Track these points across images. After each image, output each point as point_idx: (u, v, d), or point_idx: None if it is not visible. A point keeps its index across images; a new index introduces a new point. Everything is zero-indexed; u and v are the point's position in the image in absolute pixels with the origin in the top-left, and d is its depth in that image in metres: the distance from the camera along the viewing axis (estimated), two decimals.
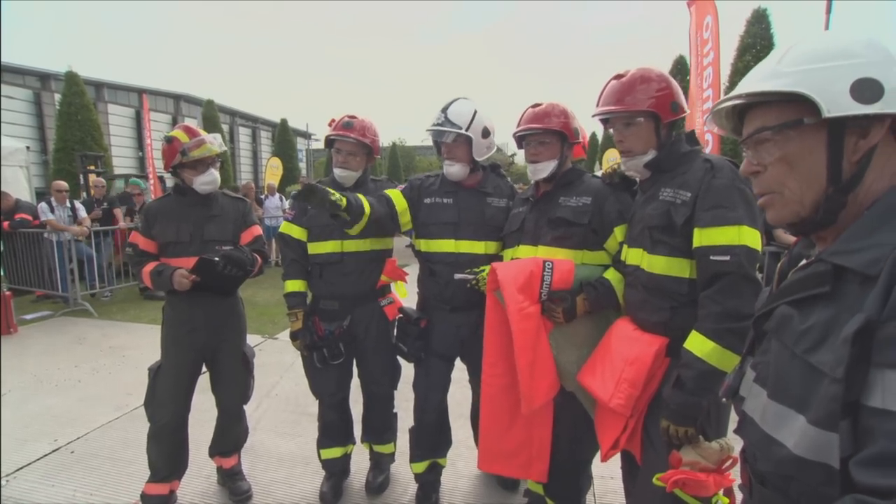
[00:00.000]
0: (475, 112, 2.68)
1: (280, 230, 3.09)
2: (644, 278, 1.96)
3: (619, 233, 2.24)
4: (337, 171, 2.97)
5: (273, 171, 18.42)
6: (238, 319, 3.10)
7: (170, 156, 2.90)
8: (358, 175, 2.97)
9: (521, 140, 2.46)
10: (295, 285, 2.99)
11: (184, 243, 2.89)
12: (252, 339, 6.25)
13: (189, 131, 2.90)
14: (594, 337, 2.21)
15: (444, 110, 2.66)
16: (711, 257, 1.73)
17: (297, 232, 3.02)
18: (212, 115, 28.56)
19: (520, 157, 2.68)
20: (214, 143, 2.90)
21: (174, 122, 38.83)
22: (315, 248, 2.96)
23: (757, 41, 11.97)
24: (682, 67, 16.11)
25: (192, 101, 39.73)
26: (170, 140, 2.89)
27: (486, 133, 2.70)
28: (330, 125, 2.98)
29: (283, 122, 37.50)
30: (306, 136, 43.15)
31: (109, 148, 21.40)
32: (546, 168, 2.41)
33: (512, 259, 2.49)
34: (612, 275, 2.25)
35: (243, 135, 49.40)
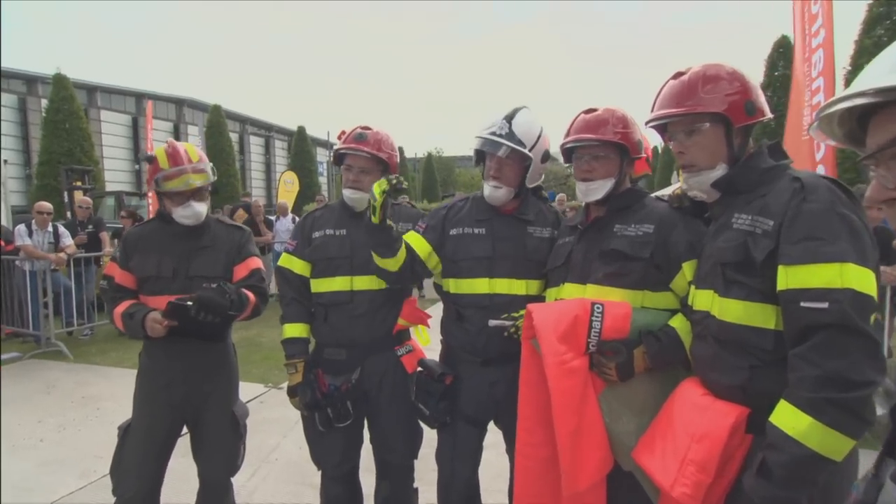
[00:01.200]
0: (541, 130, 2.72)
1: (279, 264, 3.13)
2: (715, 328, 1.90)
3: (688, 270, 2.19)
4: (347, 193, 3.01)
5: (287, 187, 18.84)
6: (227, 371, 3.12)
7: (149, 177, 2.99)
8: (367, 196, 2.96)
9: (569, 153, 2.48)
10: (295, 329, 3.01)
11: (165, 279, 2.93)
12: (252, 389, 6.32)
13: (172, 156, 2.95)
14: (657, 401, 2.14)
15: (509, 119, 2.68)
16: (803, 304, 1.64)
17: (298, 266, 3.06)
18: (218, 121, 29.57)
19: None
20: (201, 171, 2.97)
21: (176, 130, 40.39)
22: (320, 286, 2.99)
23: (893, 9, 10.83)
24: (784, 51, 15.50)
25: (197, 107, 41.28)
26: (150, 160, 2.99)
27: (545, 157, 2.77)
28: (339, 138, 3.05)
29: (301, 129, 38.53)
30: (327, 146, 44.05)
31: (101, 160, 22.32)
32: (601, 188, 2.41)
33: (555, 301, 2.47)
34: (679, 322, 2.20)
35: (254, 144, 50.95)
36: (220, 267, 3.02)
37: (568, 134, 2.46)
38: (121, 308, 2.93)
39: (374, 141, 2.96)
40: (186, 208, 2.96)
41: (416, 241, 2.83)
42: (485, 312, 2.68)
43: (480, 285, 2.72)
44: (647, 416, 2.14)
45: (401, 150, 52.67)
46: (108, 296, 3.03)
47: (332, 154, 3.04)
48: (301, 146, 37.13)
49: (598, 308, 2.21)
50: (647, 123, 2.09)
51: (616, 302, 2.25)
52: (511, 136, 2.64)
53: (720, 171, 1.96)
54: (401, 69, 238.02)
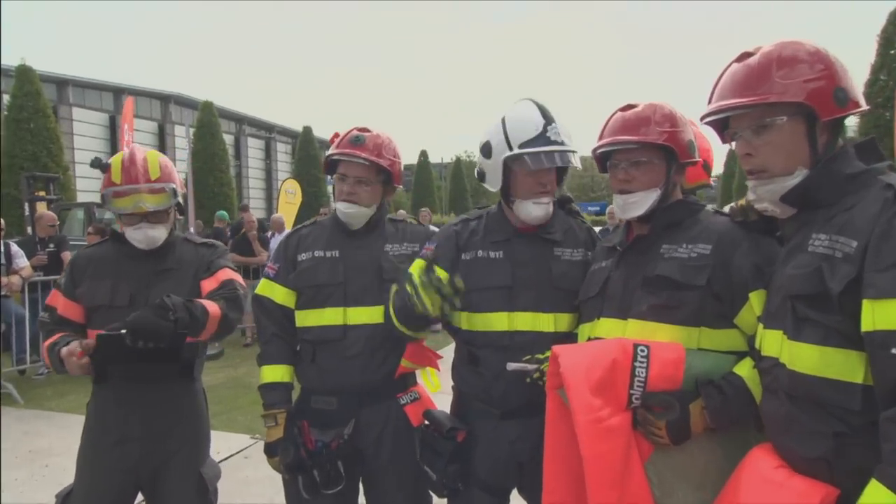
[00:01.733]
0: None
1: (256, 292, 3.11)
2: (786, 380, 1.82)
3: (757, 302, 2.11)
4: (341, 207, 3.01)
5: (288, 198, 18.97)
6: (195, 423, 3.07)
7: (101, 189, 2.98)
8: (371, 212, 3.04)
9: (604, 159, 2.47)
10: (275, 373, 2.99)
11: (120, 308, 2.85)
12: (236, 441, 6.34)
13: (127, 169, 2.92)
14: (721, 472, 2.07)
15: (549, 118, 2.69)
16: (894, 350, 1.56)
17: (280, 294, 3.04)
18: (210, 120, 30.12)
19: None
20: (159, 191, 2.94)
21: (161, 131, 41.19)
22: (306, 319, 2.98)
23: None
24: None
25: (185, 103, 42.12)
26: (104, 168, 2.98)
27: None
28: (332, 142, 3.05)
29: (307, 130, 39.08)
30: None
31: (72, 166, 22.74)
32: (643, 201, 2.37)
33: (588, 341, 2.44)
34: (748, 370, 2.11)
35: (252, 147, 51.76)
36: (186, 291, 2.95)
37: (602, 136, 2.43)
38: (49, 341, 2.87)
39: (373, 145, 2.95)
40: (137, 230, 2.94)
41: (419, 266, 2.79)
42: (503, 354, 2.63)
43: (498, 321, 2.70)
44: (709, 492, 2.08)
45: (424, 154, 53.34)
46: (46, 329, 2.99)
47: (324, 161, 3.06)
48: (307, 149, 37.62)
49: (642, 350, 2.15)
50: (703, 119, 2.03)
51: (665, 343, 2.19)
52: (562, 139, 2.67)
53: (798, 176, 1.88)
54: (425, 60, 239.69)
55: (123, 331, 2.52)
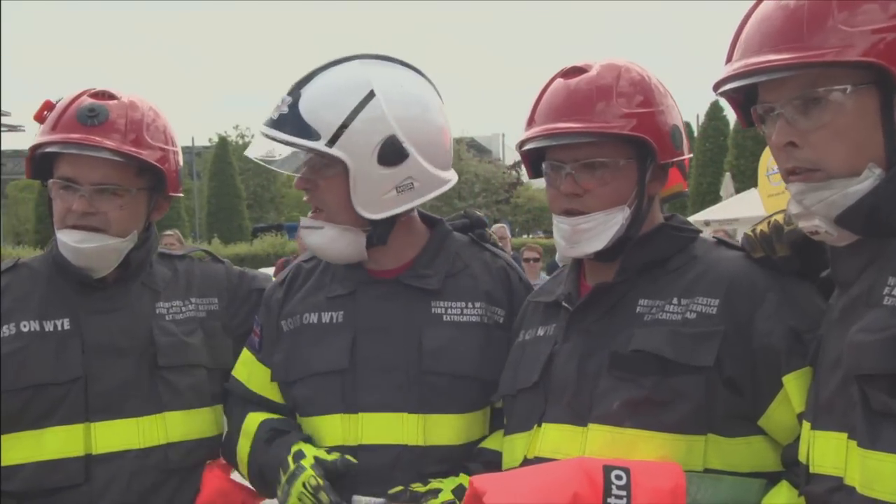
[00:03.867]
0: (368, 94, 2.00)
1: None
2: None
3: (795, 391, 1.68)
4: (67, 238, 2.11)
5: None
6: None
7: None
8: (126, 246, 2.14)
9: (533, 159, 1.94)
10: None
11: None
12: None
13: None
14: None
15: (294, 89, 2.04)
16: None
17: None
18: None
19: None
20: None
21: None
22: (10, 452, 2.10)
23: None
24: None
25: None
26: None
27: (390, 150, 2.01)
28: (40, 118, 2.15)
29: None
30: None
31: None
32: (602, 228, 1.81)
33: (523, 462, 1.87)
34: (783, 502, 1.66)
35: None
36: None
37: (531, 120, 1.85)
38: None
39: (125, 123, 2.11)
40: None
41: (251, 372, 2.24)
42: (344, 484, 2.00)
43: (330, 429, 2.07)
44: None
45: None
46: None
47: (27, 156, 2.15)
48: None
49: (618, 478, 1.63)
50: (719, 87, 1.54)
51: (653, 464, 1.69)
52: (289, 120, 2.00)
53: (869, 181, 1.44)
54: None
55: None
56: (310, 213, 2.10)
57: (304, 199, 2.11)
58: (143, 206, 2.20)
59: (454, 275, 2.16)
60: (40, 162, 2.14)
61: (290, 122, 1.98)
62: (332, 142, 1.95)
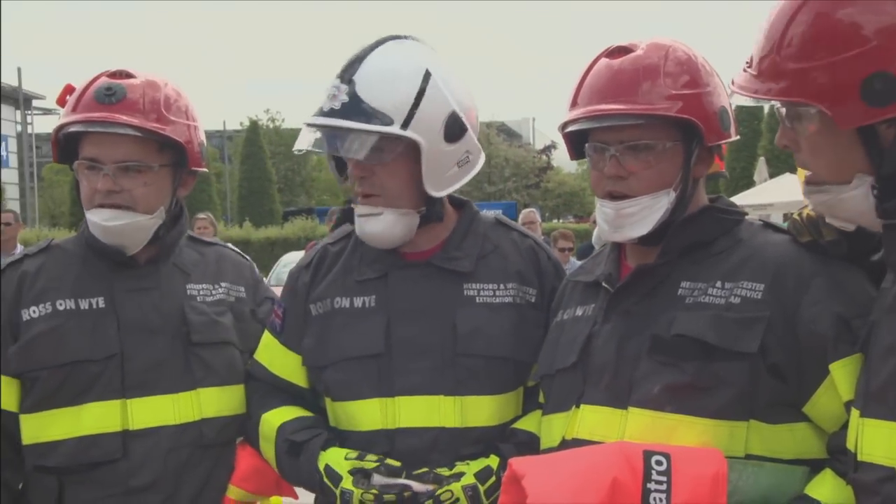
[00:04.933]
0: (426, 74, 1.99)
1: None
2: None
3: (843, 378, 1.64)
4: (97, 218, 2.12)
5: None
6: None
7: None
8: (155, 223, 2.16)
9: (576, 141, 1.89)
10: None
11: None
12: None
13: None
14: None
15: (350, 74, 1.99)
16: None
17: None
18: None
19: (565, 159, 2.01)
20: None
21: None
22: (47, 429, 2.12)
23: None
24: None
25: None
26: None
27: (454, 126, 2.01)
28: (61, 102, 2.16)
29: None
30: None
31: None
32: (648, 213, 1.78)
33: (561, 444, 1.84)
34: (830, 490, 1.63)
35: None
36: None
37: (574, 101, 1.80)
38: None
39: (144, 101, 2.11)
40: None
41: (273, 356, 2.22)
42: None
43: (366, 414, 2.06)
44: None
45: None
46: None
47: (52, 137, 2.16)
48: None
49: (658, 463, 1.61)
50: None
51: (695, 450, 1.66)
52: (353, 107, 1.97)
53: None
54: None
55: None
56: (360, 200, 2.08)
57: (356, 188, 2.09)
58: (167, 183, 2.21)
59: (485, 256, 2.15)
60: (65, 145, 2.18)
61: (354, 109, 1.96)
62: (405, 125, 1.96)
